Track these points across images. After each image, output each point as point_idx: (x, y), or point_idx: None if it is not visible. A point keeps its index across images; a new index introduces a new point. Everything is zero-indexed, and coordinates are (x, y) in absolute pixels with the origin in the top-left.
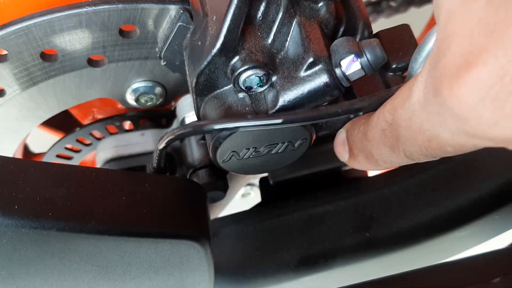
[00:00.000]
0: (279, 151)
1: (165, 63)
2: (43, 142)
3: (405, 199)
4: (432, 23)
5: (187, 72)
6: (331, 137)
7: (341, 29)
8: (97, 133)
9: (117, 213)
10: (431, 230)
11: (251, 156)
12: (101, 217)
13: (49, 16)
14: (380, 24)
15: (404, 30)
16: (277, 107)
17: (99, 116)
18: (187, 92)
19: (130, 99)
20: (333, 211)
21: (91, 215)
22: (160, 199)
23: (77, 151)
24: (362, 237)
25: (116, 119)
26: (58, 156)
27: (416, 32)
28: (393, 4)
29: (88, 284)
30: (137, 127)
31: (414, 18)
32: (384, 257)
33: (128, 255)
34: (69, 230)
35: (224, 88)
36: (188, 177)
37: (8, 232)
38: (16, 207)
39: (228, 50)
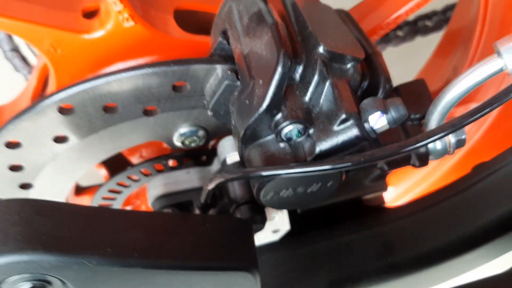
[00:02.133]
0: (313, 190)
1: (212, 113)
2: (91, 176)
3: (421, 227)
4: (437, 52)
5: (234, 123)
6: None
7: (366, 83)
8: (145, 171)
9: (187, 251)
10: (445, 254)
11: (289, 195)
12: (174, 255)
13: (113, 77)
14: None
15: (420, 84)
16: (314, 155)
17: (146, 155)
18: (226, 134)
19: (177, 141)
20: (358, 239)
21: (166, 254)
22: (218, 237)
23: (126, 186)
24: (385, 261)
25: (163, 158)
26: (110, 191)
27: (423, 59)
28: (400, 33)
29: None
30: (180, 164)
31: (420, 46)
32: (404, 278)
33: (194, 285)
34: (150, 267)
35: (266, 138)
36: (232, 211)
37: (102, 271)
38: (109, 250)
39: (272, 109)
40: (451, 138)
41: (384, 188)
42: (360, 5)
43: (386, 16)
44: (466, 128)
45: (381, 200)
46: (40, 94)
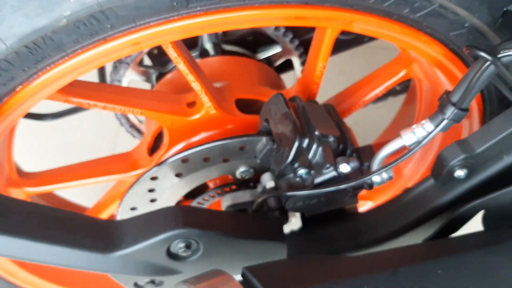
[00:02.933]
0: (312, 203)
1: (259, 161)
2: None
3: (379, 221)
4: (400, 114)
5: (272, 167)
6: None
7: (341, 146)
8: (218, 191)
9: (251, 230)
10: (392, 236)
11: (301, 205)
12: (247, 232)
13: (215, 143)
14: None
15: (369, 147)
16: (313, 184)
17: (219, 183)
18: (266, 171)
19: (238, 175)
20: (339, 230)
21: (243, 231)
22: (265, 225)
23: (207, 201)
24: (355, 243)
25: (229, 184)
26: (198, 203)
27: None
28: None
29: None
30: (239, 188)
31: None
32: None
33: (254, 249)
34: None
35: (289, 175)
36: (270, 214)
37: (215, 240)
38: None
39: (293, 162)
40: (384, 175)
41: (355, 201)
42: (341, 94)
43: (358, 100)
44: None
45: (356, 208)
46: (151, 146)
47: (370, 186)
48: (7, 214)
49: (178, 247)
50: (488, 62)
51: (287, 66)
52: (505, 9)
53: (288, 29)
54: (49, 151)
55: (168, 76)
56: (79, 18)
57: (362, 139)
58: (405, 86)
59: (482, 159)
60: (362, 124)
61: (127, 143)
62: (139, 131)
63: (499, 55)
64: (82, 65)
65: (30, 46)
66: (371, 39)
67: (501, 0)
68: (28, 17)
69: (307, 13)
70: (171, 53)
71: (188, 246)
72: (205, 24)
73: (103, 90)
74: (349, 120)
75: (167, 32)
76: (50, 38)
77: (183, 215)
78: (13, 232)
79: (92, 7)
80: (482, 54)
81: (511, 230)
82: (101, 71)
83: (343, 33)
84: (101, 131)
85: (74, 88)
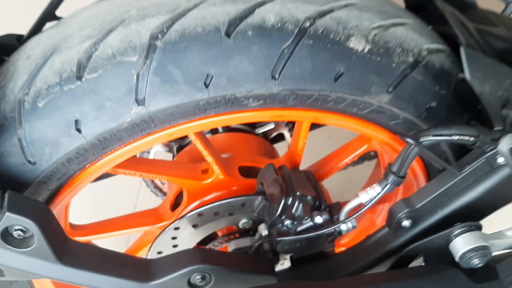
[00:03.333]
0: (296, 246)
1: (256, 215)
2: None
3: (349, 260)
4: (373, 174)
5: (266, 219)
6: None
7: (317, 203)
8: (225, 239)
9: (250, 266)
10: (358, 272)
11: (288, 248)
12: (246, 269)
13: (206, 207)
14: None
15: (338, 203)
16: (296, 232)
17: (226, 232)
18: (262, 222)
19: (241, 226)
20: (319, 266)
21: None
22: (261, 263)
23: (216, 246)
24: (331, 275)
25: (234, 233)
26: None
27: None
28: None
29: None
30: (241, 235)
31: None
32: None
33: (248, 281)
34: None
35: (278, 225)
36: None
37: (221, 275)
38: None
39: (281, 215)
40: (349, 224)
41: (333, 246)
42: (320, 161)
43: (333, 166)
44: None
45: (333, 251)
46: (173, 203)
47: (339, 233)
48: (79, 255)
49: (196, 278)
50: (413, 145)
51: (280, 137)
52: (427, 106)
53: None
54: (86, 208)
55: (186, 148)
56: (135, 122)
57: (350, 192)
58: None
59: (422, 212)
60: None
61: (146, 202)
62: (161, 190)
63: (420, 140)
64: (133, 150)
65: (101, 139)
66: None
67: (423, 101)
68: (103, 123)
69: (285, 113)
70: (192, 136)
71: (203, 278)
72: (216, 122)
73: (140, 163)
74: (338, 177)
75: (190, 128)
76: (115, 134)
77: (199, 254)
78: (84, 267)
79: (144, 115)
80: (408, 140)
81: (442, 265)
82: None
83: None
84: (124, 192)
85: (123, 164)
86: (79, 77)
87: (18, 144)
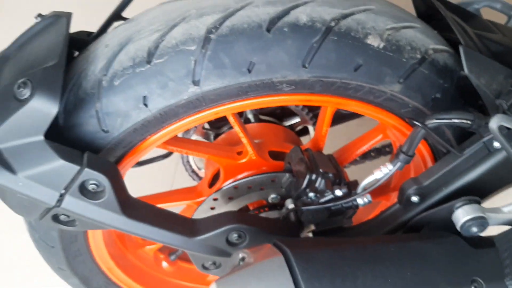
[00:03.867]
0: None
1: (284, 190)
2: None
3: (365, 230)
4: None
5: (292, 193)
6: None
7: (336, 180)
8: (256, 212)
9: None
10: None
11: (311, 217)
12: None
13: (241, 181)
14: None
15: (355, 181)
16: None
17: (256, 205)
18: (288, 198)
19: (270, 200)
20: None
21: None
22: (290, 228)
23: None
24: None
25: (264, 207)
26: None
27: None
28: (372, 154)
29: None
30: (270, 209)
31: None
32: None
33: None
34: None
35: (303, 197)
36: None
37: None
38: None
39: (306, 188)
40: (365, 199)
41: (350, 222)
42: (340, 149)
43: (351, 154)
44: None
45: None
46: (210, 182)
47: (356, 206)
48: (138, 209)
49: (233, 236)
50: (420, 128)
51: (305, 131)
52: (433, 96)
53: (304, 106)
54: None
55: (222, 136)
56: (190, 100)
57: None
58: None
59: (428, 190)
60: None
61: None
62: (197, 175)
63: (426, 122)
64: (185, 125)
65: (162, 113)
66: None
67: (429, 92)
68: (165, 99)
69: (313, 98)
70: (231, 119)
71: (240, 236)
72: (254, 104)
73: (186, 142)
74: (357, 170)
75: (233, 108)
76: (173, 109)
77: (237, 216)
78: (142, 220)
79: (198, 94)
80: (416, 122)
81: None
82: None
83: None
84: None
85: (171, 140)
86: (148, 62)
87: (95, 115)
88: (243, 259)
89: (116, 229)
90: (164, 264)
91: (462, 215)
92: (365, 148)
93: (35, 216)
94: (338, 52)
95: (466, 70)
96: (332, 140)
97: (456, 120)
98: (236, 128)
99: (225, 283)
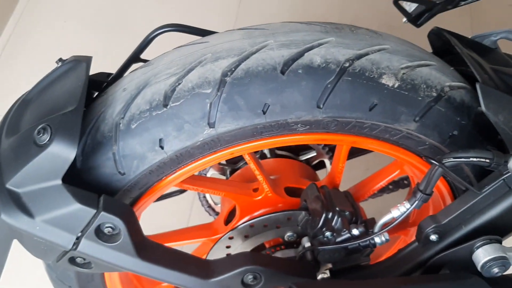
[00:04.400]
0: (336, 256)
1: (300, 229)
2: None
3: (379, 271)
4: None
5: (308, 232)
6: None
7: (353, 218)
8: (272, 249)
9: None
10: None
11: (328, 257)
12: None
13: (257, 219)
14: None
15: (372, 219)
16: (336, 242)
17: (272, 244)
18: (305, 236)
19: (286, 238)
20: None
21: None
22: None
23: None
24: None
25: (280, 245)
26: None
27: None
28: (390, 187)
29: None
30: (287, 247)
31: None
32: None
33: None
34: None
35: (320, 236)
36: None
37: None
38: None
39: (322, 227)
40: (383, 238)
41: (368, 260)
42: (357, 185)
43: (369, 189)
44: None
45: (368, 263)
46: (226, 219)
47: (374, 245)
48: (153, 252)
49: (249, 278)
50: (437, 166)
51: (321, 165)
52: (450, 134)
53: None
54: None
55: (238, 171)
56: (206, 141)
57: None
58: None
59: (447, 228)
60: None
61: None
62: (213, 210)
63: (443, 161)
64: (200, 165)
65: (178, 155)
66: None
67: (446, 129)
68: (181, 141)
69: (328, 137)
70: (247, 157)
71: (255, 278)
72: (269, 143)
73: (203, 180)
74: (375, 204)
75: (248, 148)
76: (189, 151)
77: (252, 257)
78: (158, 262)
79: (214, 136)
80: (432, 161)
81: (466, 273)
82: None
83: None
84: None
85: (187, 179)
86: (165, 105)
87: (112, 158)
88: None
89: (131, 271)
90: None
91: (483, 255)
92: (382, 183)
93: (52, 259)
94: (352, 93)
95: (483, 108)
96: (349, 171)
97: (474, 159)
98: (252, 166)
99: None
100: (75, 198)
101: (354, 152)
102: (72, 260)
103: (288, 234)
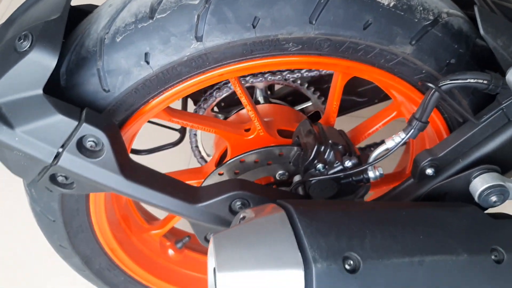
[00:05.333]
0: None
1: (292, 164)
2: None
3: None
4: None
5: (300, 166)
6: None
7: (346, 152)
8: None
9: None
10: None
11: (319, 189)
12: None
13: (247, 153)
14: None
15: (365, 154)
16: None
17: (264, 182)
18: (297, 174)
19: (277, 177)
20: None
21: None
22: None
23: None
24: None
25: (272, 184)
26: None
27: None
28: None
29: None
30: (278, 186)
31: None
32: None
33: None
34: None
35: (311, 170)
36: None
37: None
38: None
39: (314, 160)
40: (376, 172)
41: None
42: (354, 129)
43: (367, 130)
44: None
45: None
46: (217, 162)
47: (367, 180)
48: (139, 172)
49: (237, 204)
50: (433, 90)
51: (316, 117)
52: (447, 61)
53: (316, 89)
54: None
55: (231, 118)
56: (193, 57)
57: None
58: None
59: (444, 161)
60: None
61: None
62: (206, 162)
63: (440, 84)
64: (188, 87)
65: (164, 72)
66: (380, 100)
67: (443, 56)
68: (167, 55)
69: (321, 60)
70: (237, 90)
71: (243, 204)
72: (259, 65)
73: (193, 116)
74: None
75: (238, 69)
76: (175, 68)
77: (241, 183)
78: (143, 183)
79: (201, 51)
80: (429, 84)
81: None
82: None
83: (359, 95)
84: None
85: (176, 113)
86: (151, 17)
87: (96, 74)
88: (243, 218)
89: (114, 191)
90: (171, 251)
91: (481, 184)
92: (378, 126)
93: (32, 176)
94: (346, 9)
95: (481, 31)
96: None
97: (472, 80)
98: (243, 100)
99: (223, 236)
100: (56, 109)
101: (348, 107)
102: (53, 178)
103: (280, 172)
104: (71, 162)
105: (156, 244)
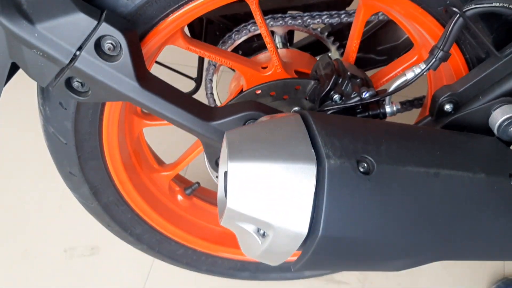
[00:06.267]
0: None
1: (308, 100)
2: None
3: None
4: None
5: (316, 100)
6: None
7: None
8: None
9: None
10: None
11: None
12: None
13: (263, 85)
14: None
15: (384, 89)
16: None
17: None
18: None
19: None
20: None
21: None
22: None
23: None
24: None
25: None
26: None
27: None
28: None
29: None
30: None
31: None
32: None
33: None
34: None
35: (328, 101)
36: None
37: None
38: None
39: (330, 91)
40: (394, 107)
41: None
42: (375, 74)
43: (387, 75)
44: None
45: None
46: None
47: (384, 114)
48: (155, 82)
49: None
50: (458, 15)
51: None
52: None
53: (335, 39)
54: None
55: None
56: None
57: None
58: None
59: (464, 97)
60: None
61: None
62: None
63: (464, 9)
64: (207, 3)
65: None
66: None
67: None
68: None
69: None
70: (257, 18)
71: None
72: None
73: (211, 48)
74: None
75: None
76: None
77: (258, 104)
78: (158, 93)
79: None
80: (453, 8)
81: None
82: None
83: (378, 53)
84: None
85: (194, 42)
86: None
87: None
88: None
89: (129, 99)
90: (179, 197)
91: (501, 114)
92: (399, 70)
93: (49, 79)
94: None
95: None
96: None
97: (497, 4)
98: (262, 31)
99: (236, 132)
100: (77, 7)
101: (367, 65)
102: (68, 84)
103: (295, 109)
104: (88, 64)
105: (166, 187)
